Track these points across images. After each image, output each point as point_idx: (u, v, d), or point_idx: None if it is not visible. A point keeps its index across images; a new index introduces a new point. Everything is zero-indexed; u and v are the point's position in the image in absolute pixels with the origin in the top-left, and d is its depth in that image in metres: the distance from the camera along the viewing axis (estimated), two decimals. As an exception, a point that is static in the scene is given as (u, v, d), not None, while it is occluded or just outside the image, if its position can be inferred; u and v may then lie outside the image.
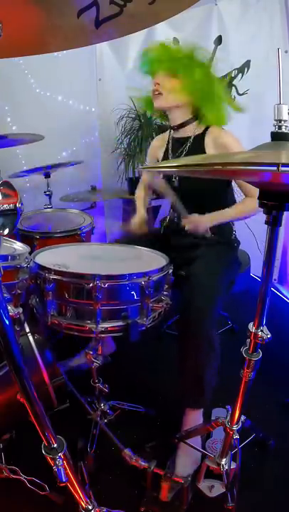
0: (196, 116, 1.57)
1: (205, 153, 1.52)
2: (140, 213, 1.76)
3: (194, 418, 1.40)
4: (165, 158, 1.69)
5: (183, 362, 1.36)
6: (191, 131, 1.58)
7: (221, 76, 2.66)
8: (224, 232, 1.59)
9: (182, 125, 1.59)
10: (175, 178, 1.59)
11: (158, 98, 1.54)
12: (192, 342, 1.31)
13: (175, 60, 1.48)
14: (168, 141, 1.68)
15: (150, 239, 1.67)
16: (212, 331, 1.33)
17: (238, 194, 1.65)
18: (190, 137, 1.57)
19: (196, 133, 1.57)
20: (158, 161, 1.75)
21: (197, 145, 1.55)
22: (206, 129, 1.56)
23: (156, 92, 1.52)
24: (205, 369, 1.32)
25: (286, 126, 0.77)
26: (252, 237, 2.07)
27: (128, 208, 3.14)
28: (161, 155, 1.72)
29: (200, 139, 1.55)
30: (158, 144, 1.77)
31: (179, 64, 1.47)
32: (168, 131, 1.71)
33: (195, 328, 1.29)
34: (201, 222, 1.47)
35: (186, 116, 1.57)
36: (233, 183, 1.65)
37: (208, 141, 1.53)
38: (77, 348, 1.80)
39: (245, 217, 1.55)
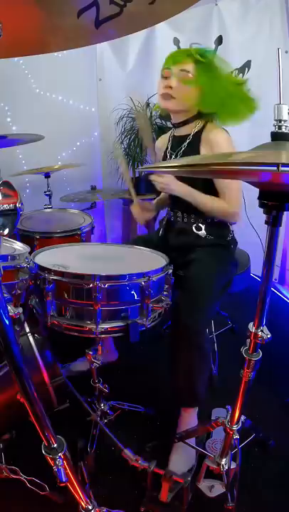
0: (199, 114, 1.56)
1: (200, 151, 1.52)
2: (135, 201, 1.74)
3: (189, 417, 1.40)
4: (165, 156, 1.69)
5: (174, 362, 1.36)
6: (192, 128, 1.58)
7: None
8: (221, 233, 1.58)
9: (184, 123, 1.59)
10: None
11: (168, 101, 1.52)
12: (182, 344, 1.32)
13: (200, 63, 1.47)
14: (169, 140, 1.69)
15: (150, 240, 1.67)
16: (202, 332, 1.33)
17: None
18: (189, 134, 1.58)
19: (196, 130, 1.57)
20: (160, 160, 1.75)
21: (195, 143, 1.55)
22: (205, 125, 1.56)
23: (168, 96, 1.51)
24: (195, 368, 1.32)
25: (286, 126, 0.77)
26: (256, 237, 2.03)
27: (128, 208, 3.15)
28: (162, 154, 1.72)
29: (198, 136, 1.55)
30: (159, 145, 1.77)
31: (201, 70, 1.47)
32: (170, 131, 1.71)
33: (184, 329, 1.30)
34: (173, 186, 1.48)
35: (190, 114, 1.57)
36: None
37: (204, 137, 1.53)
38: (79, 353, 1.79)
39: (218, 217, 1.53)
